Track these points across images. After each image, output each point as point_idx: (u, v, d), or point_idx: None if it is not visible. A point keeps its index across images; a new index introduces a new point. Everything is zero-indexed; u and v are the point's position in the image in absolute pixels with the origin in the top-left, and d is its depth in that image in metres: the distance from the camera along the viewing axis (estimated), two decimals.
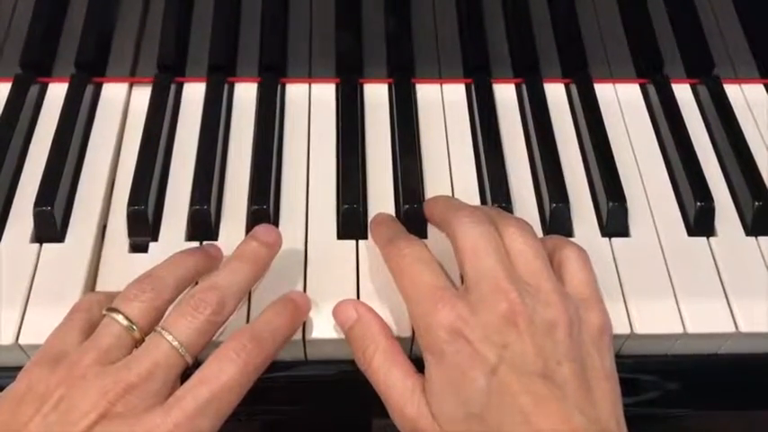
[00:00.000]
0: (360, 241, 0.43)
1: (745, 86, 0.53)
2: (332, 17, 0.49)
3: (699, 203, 0.45)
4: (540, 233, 0.45)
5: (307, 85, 0.52)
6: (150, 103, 0.49)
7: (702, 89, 0.53)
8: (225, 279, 0.37)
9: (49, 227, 0.43)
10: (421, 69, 0.52)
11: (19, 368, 0.34)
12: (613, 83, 0.53)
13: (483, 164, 0.47)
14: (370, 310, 0.39)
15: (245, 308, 0.40)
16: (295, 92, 0.52)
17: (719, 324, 0.41)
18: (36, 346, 0.36)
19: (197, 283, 0.38)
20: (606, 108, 0.51)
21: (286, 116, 0.50)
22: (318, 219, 0.44)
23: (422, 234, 0.43)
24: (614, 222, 0.45)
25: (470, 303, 0.35)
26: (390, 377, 0.36)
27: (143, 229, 0.43)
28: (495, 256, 0.36)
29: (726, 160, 0.49)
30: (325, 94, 0.51)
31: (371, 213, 0.44)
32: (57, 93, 0.50)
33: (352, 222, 0.44)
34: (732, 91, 0.52)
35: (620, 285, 0.42)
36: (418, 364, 0.36)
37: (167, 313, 0.36)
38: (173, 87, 0.51)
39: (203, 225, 0.43)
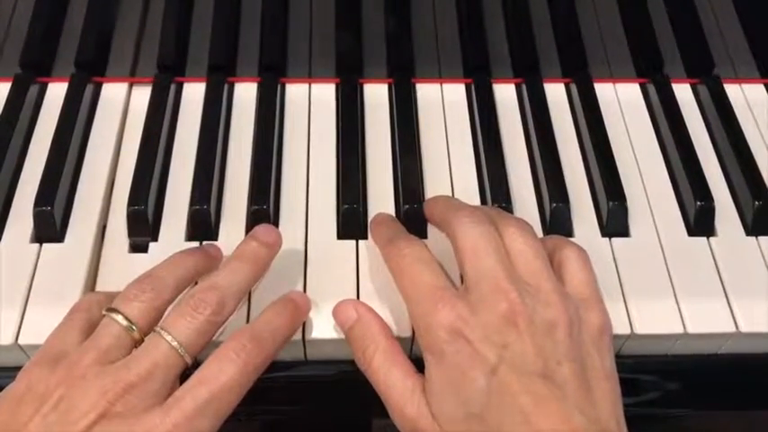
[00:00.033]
0: (360, 241, 0.43)
1: (746, 86, 0.53)
2: (332, 17, 0.49)
3: (699, 203, 0.45)
4: (540, 233, 0.45)
5: (307, 85, 0.52)
6: (150, 102, 0.49)
7: (702, 89, 0.53)
8: (225, 279, 0.37)
9: (49, 227, 0.43)
10: (421, 69, 0.52)
11: (19, 368, 0.34)
12: (613, 83, 0.53)
13: (483, 164, 0.47)
14: (370, 310, 0.39)
15: (244, 308, 0.40)
16: (295, 92, 0.52)
17: (720, 324, 0.41)
18: (36, 347, 0.36)
19: (197, 283, 0.38)
20: (606, 108, 0.51)
21: (286, 116, 0.50)
22: (318, 219, 0.44)
23: (422, 234, 0.43)
24: (614, 222, 0.45)
25: (470, 303, 0.35)
26: (390, 377, 0.36)
27: (143, 229, 0.43)
28: (495, 256, 0.36)
29: (726, 160, 0.49)
30: (325, 94, 0.51)
31: (371, 213, 0.44)
32: (56, 92, 0.50)
33: (352, 222, 0.44)
34: (732, 91, 0.52)
35: (620, 285, 0.42)
36: (418, 364, 0.36)
37: (167, 313, 0.36)
38: (173, 87, 0.51)
39: (203, 225, 0.43)
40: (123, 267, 0.42)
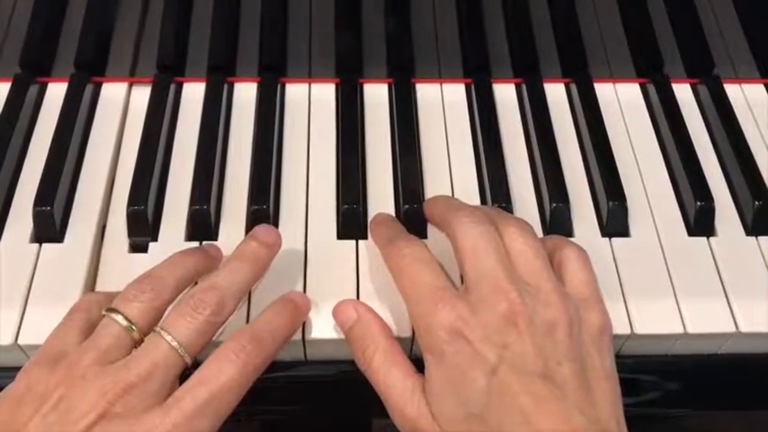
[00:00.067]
0: (360, 241, 0.43)
1: (746, 86, 0.53)
2: (332, 17, 0.49)
3: (699, 203, 0.45)
4: (540, 233, 0.45)
5: (306, 85, 0.52)
6: (150, 102, 0.49)
7: (702, 89, 0.53)
8: (224, 279, 0.37)
9: (49, 227, 0.43)
10: (421, 69, 0.52)
11: (18, 368, 0.34)
12: (613, 83, 0.53)
13: (483, 164, 0.47)
14: (370, 310, 0.39)
15: (244, 308, 0.40)
16: (295, 92, 0.52)
17: (720, 324, 0.41)
18: (35, 347, 0.36)
19: (197, 284, 0.38)
20: (606, 108, 0.51)
21: (286, 116, 0.50)
22: (318, 219, 0.44)
23: (422, 234, 0.43)
24: (614, 222, 0.45)
25: (470, 303, 0.35)
26: (390, 377, 0.36)
27: (143, 229, 0.43)
28: (495, 256, 0.36)
29: (726, 160, 0.49)
30: (325, 93, 0.51)
31: (371, 213, 0.44)
32: (56, 92, 0.50)
33: (352, 222, 0.44)
34: (732, 91, 0.52)
35: (620, 285, 0.42)
36: (418, 364, 0.36)
37: (167, 313, 0.36)
38: (172, 87, 0.51)
39: (203, 225, 0.43)
40: (123, 267, 0.42)
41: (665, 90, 0.52)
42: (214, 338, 0.36)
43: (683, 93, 0.53)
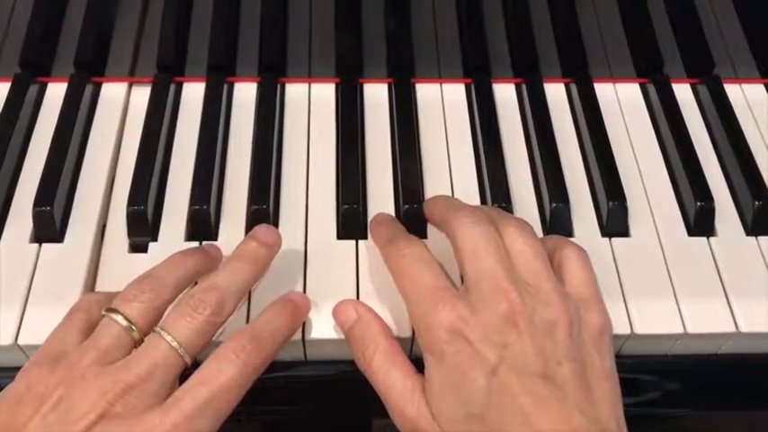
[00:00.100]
0: (360, 241, 0.43)
1: (745, 86, 0.53)
2: (332, 17, 0.49)
3: (699, 203, 0.45)
4: (540, 233, 0.45)
5: (306, 85, 0.52)
6: (150, 102, 0.49)
7: (702, 89, 0.53)
8: (224, 279, 0.37)
9: (49, 227, 0.43)
10: (421, 69, 0.52)
11: (18, 368, 0.34)
12: (613, 83, 0.53)
13: (483, 164, 0.47)
14: (370, 310, 0.39)
15: (244, 308, 0.40)
16: (295, 92, 0.52)
17: (720, 324, 0.41)
18: (35, 347, 0.36)
19: (196, 284, 0.38)
20: (606, 108, 0.51)
21: (286, 116, 0.50)
22: (318, 219, 0.44)
23: (422, 234, 0.43)
24: (614, 222, 0.45)
25: (470, 303, 0.35)
26: (390, 377, 0.36)
27: (142, 229, 0.43)
28: (495, 256, 0.36)
29: (726, 160, 0.49)
30: (325, 93, 0.51)
31: (371, 213, 0.44)
32: (56, 92, 0.50)
33: (351, 222, 0.44)
34: (732, 91, 0.52)
35: (620, 285, 0.42)
36: (418, 364, 0.36)
37: (166, 313, 0.36)
38: (172, 87, 0.51)
39: (203, 225, 0.43)
40: (123, 267, 0.42)
41: (665, 90, 0.52)
42: (214, 338, 0.36)
43: (683, 93, 0.53)
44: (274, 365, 0.37)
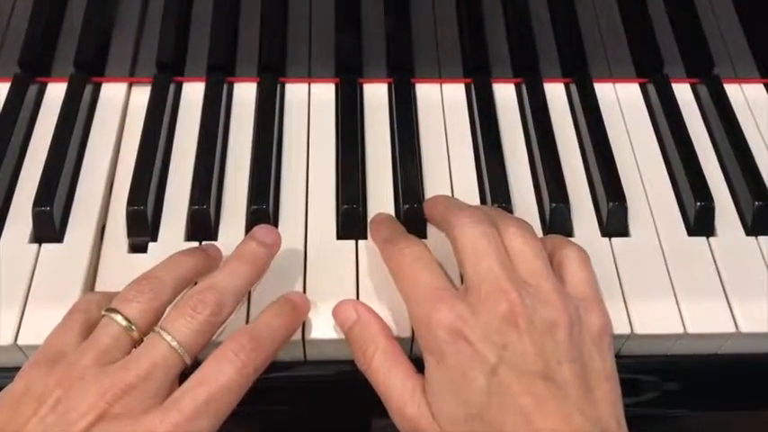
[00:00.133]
0: (359, 241, 0.43)
1: (745, 86, 0.53)
2: (332, 17, 0.49)
3: (699, 203, 0.45)
4: (540, 233, 0.44)
5: (306, 85, 0.52)
6: (149, 102, 0.49)
7: (702, 89, 0.53)
8: (224, 279, 0.37)
9: (48, 227, 0.43)
10: (421, 69, 0.52)
11: (18, 369, 0.34)
12: (613, 83, 0.53)
13: (483, 164, 0.47)
14: (370, 310, 0.39)
15: (244, 308, 0.40)
16: (295, 92, 0.51)
17: (719, 324, 0.40)
18: (35, 347, 0.36)
19: (196, 284, 0.38)
20: (606, 108, 0.51)
21: (285, 116, 0.50)
22: (318, 219, 0.44)
23: (422, 234, 0.43)
24: (614, 222, 0.45)
25: (470, 304, 0.35)
26: (390, 377, 0.36)
27: (142, 230, 0.43)
28: (496, 256, 0.36)
29: (726, 160, 0.49)
30: (325, 93, 0.51)
31: (371, 213, 0.44)
32: (55, 93, 0.50)
33: (351, 222, 0.44)
34: (732, 91, 0.52)
35: (620, 285, 0.42)
36: (418, 364, 0.36)
37: (166, 313, 0.36)
38: (172, 87, 0.51)
39: (203, 225, 0.43)
40: (122, 268, 0.41)
41: (665, 90, 0.52)
42: (214, 338, 0.36)
43: (683, 93, 0.53)
44: (274, 365, 0.37)
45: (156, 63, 0.51)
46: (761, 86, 0.54)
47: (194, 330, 0.35)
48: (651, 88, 0.52)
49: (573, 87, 0.52)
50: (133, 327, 0.35)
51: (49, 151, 0.46)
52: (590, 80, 0.52)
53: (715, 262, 0.43)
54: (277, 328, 0.37)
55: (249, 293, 0.40)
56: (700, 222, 0.45)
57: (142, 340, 0.35)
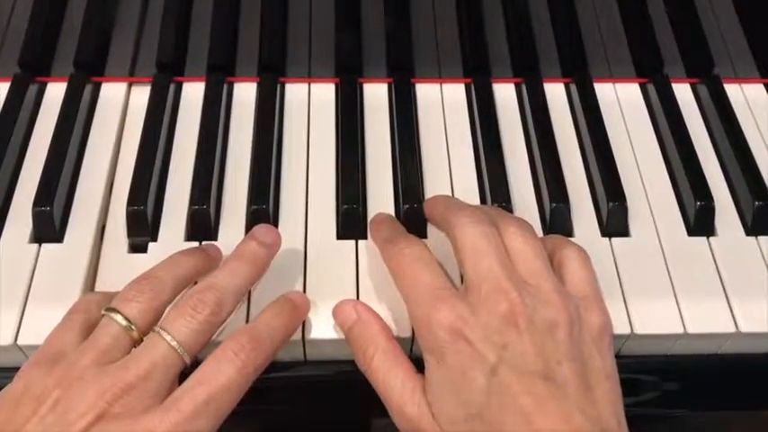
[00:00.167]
0: (359, 241, 0.43)
1: (745, 86, 0.53)
2: (332, 17, 0.49)
3: (699, 203, 0.45)
4: (540, 233, 0.44)
5: (306, 85, 0.52)
6: (149, 102, 0.49)
7: (702, 89, 0.53)
8: (224, 279, 0.37)
9: (48, 227, 0.43)
10: (421, 69, 0.52)
11: (18, 369, 0.34)
12: (613, 83, 0.53)
13: (483, 164, 0.47)
14: (370, 310, 0.39)
15: (244, 308, 0.40)
16: (295, 92, 0.51)
17: (719, 324, 0.40)
18: (35, 347, 0.36)
19: (196, 283, 0.38)
20: (606, 108, 0.51)
21: (285, 116, 0.50)
22: (318, 219, 0.44)
23: (422, 234, 0.43)
24: (614, 222, 0.45)
25: (470, 303, 0.35)
26: (390, 377, 0.36)
27: (142, 230, 0.43)
28: (496, 255, 0.36)
29: (726, 160, 0.49)
30: (325, 93, 0.51)
31: (371, 213, 0.44)
32: (55, 92, 0.50)
33: (351, 222, 0.44)
34: (732, 91, 0.52)
35: (620, 285, 0.42)
36: (418, 364, 0.36)
37: (166, 313, 0.36)
38: (172, 87, 0.51)
39: (203, 225, 0.43)
40: (122, 268, 0.41)
41: (665, 90, 0.52)
42: (213, 338, 0.36)
43: (683, 93, 0.53)
44: (274, 365, 0.37)
45: (156, 63, 0.51)
46: (761, 86, 0.54)
47: (194, 330, 0.35)
48: (651, 88, 0.52)
49: (573, 87, 0.52)
50: (133, 326, 0.35)
51: (49, 151, 0.46)
52: (590, 80, 0.52)
53: (715, 262, 0.43)
54: (277, 328, 0.37)
55: (249, 293, 0.40)
56: (700, 222, 0.45)
57: (142, 340, 0.35)
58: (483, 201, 0.46)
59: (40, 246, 0.42)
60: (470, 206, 0.39)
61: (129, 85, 0.51)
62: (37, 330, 0.38)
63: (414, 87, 0.52)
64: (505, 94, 0.52)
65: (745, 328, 0.40)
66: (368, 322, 0.38)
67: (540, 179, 0.47)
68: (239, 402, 0.34)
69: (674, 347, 0.41)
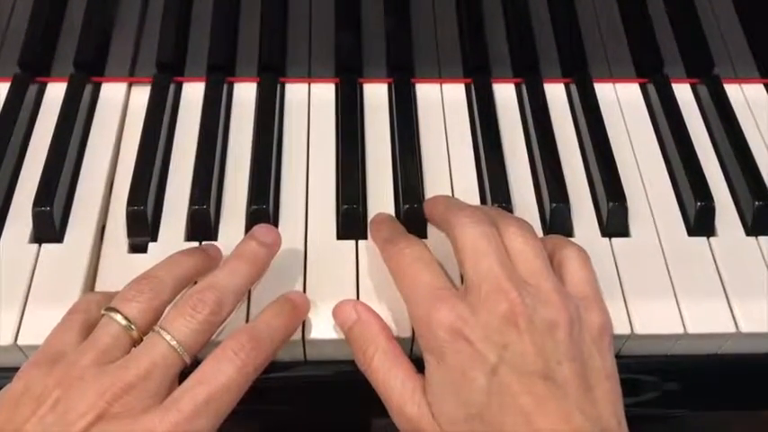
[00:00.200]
0: (359, 241, 0.43)
1: (745, 86, 0.53)
2: (332, 17, 0.49)
3: (699, 203, 0.45)
4: (540, 233, 0.44)
5: (306, 85, 0.52)
6: (149, 102, 0.49)
7: (702, 89, 0.53)
8: (223, 279, 0.37)
9: (48, 227, 0.43)
10: (421, 69, 0.52)
11: (18, 369, 0.34)
12: (613, 83, 0.53)
13: (483, 164, 0.47)
14: (370, 310, 0.39)
15: (244, 307, 0.40)
16: (295, 92, 0.51)
17: (720, 324, 0.40)
18: (35, 347, 0.36)
19: (196, 283, 0.38)
20: (606, 108, 0.51)
21: (285, 116, 0.50)
22: (318, 219, 0.44)
23: (422, 234, 0.43)
24: (614, 222, 0.45)
25: (470, 303, 0.35)
26: (390, 378, 0.36)
27: (142, 230, 0.43)
28: (496, 255, 0.36)
29: (726, 160, 0.49)
30: (325, 93, 0.51)
31: (371, 213, 0.44)
32: (55, 92, 0.50)
33: (351, 222, 0.44)
34: (732, 91, 0.52)
35: (620, 285, 0.42)
36: (418, 364, 0.36)
37: (165, 313, 0.36)
38: (172, 87, 0.51)
39: (203, 225, 0.43)
40: (122, 268, 0.41)
41: (665, 90, 0.52)
42: (213, 338, 0.36)
43: (683, 93, 0.53)
44: (274, 365, 0.37)
45: (156, 63, 0.51)
46: (761, 86, 0.54)
47: (194, 330, 0.35)
48: (651, 88, 0.52)
49: (573, 87, 0.52)
50: (133, 326, 0.35)
51: (49, 151, 0.46)
52: (590, 80, 0.52)
53: (715, 262, 0.43)
54: (277, 328, 0.37)
55: (249, 293, 0.40)
56: (700, 222, 0.45)
57: (142, 340, 0.35)
58: (483, 201, 0.46)
59: (40, 246, 0.42)
60: (470, 206, 0.39)
61: (129, 85, 0.51)
62: (37, 330, 0.38)
63: (414, 87, 0.52)
64: (505, 94, 0.52)
65: (745, 328, 0.40)
66: (368, 322, 0.38)
67: (540, 179, 0.47)
68: (239, 402, 0.34)
69: (675, 347, 0.41)
